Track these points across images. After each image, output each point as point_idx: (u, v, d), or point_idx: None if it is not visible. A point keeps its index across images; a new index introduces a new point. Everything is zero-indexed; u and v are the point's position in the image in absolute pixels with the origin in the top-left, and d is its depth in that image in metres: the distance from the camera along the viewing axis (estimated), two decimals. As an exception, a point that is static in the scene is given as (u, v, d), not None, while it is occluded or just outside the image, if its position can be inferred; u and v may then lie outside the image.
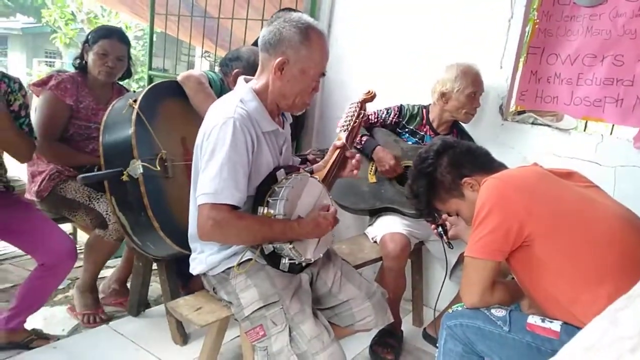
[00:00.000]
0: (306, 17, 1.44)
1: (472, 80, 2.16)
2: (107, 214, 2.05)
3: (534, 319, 1.33)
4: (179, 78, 2.04)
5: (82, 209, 2.11)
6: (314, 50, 1.42)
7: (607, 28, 2.16)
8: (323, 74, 1.48)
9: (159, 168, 1.77)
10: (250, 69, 2.06)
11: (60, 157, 2.18)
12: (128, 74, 2.37)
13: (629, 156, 2.10)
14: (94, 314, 2.17)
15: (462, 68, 2.18)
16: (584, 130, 2.33)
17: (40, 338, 1.97)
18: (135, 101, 1.83)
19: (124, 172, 1.74)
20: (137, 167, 1.73)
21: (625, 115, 2.14)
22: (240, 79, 1.54)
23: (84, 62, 2.24)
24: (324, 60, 1.46)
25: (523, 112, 2.41)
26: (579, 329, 1.26)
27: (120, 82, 2.43)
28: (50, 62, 15.17)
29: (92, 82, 2.25)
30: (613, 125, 2.31)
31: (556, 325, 1.29)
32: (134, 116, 1.79)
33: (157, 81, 2.11)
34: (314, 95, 1.51)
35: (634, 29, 2.10)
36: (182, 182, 1.86)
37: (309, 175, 1.52)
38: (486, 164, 1.54)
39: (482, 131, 2.38)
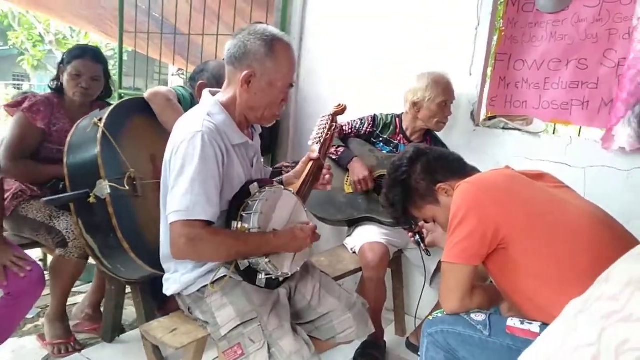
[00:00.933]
0: (271, 29, 1.43)
1: (442, 90, 2.18)
2: (67, 231, 1.98)
3: (513, 322, 1.33)
4: (145, 95, 2.01)
5: (44, 229, 2.04)
6: (281, 62, 1.40)
7: (570, 33, 2.22)
8: (291, 85, 1.47)
9: (127, 187, 1.73)
10: (214, 80, 2.06)
11: (26, 174, 2.11)
12: (107, 93, 2.33)
13: (598, 157, 2.14)
14: (66, 343, 2.07)
15: (433, 77, 2.20)
16: (553, 133, 2.38)
17: (8, 371, 1.88)
18: (100, 120, 1.79)
19: (91, 194, 1.69)
20: (104, 188, 1.68)
21: (591, 117, 2.20)
22: (205, 92, 1.51)
23: (59, 83, 2.20)
24: (291, 71, 1.45)
25: (494, 117, 2.45)
26: (557, 329, 1.28)
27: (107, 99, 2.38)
28: (18, 84, 14.87)
29: (69, 103, 2.20)
30: (581, 128, 2.36)
31: (535, 327, 1.29)
32: (99, 135, 1.75)
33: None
34: (283, 106, 1.49)
35: (595, 33, 2.17)
36: (152, 201, 1.80)
37: (282, 188, 1.50)
38: (459, 169, 1.55)
39: (455, 137, 2.41)
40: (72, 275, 2.07)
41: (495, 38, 2.43)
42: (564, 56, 2.24)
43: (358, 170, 2.19)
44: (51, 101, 2.16)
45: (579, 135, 2.37)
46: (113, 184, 1.69)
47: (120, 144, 1.79)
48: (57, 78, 2.21)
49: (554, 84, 2.27)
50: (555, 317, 1.23)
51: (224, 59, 1.49)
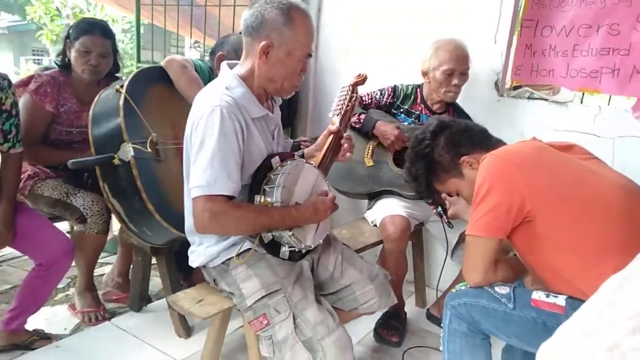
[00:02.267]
0: (288, 1, 1.39)
1: (446, 58, 2.09)
2: (84, 207, 2.01)
3: (538, 295, 1.32)
4: (162, 63, 2.01)
5: (60, 205, 2.07)
6: (299, 31, 1.37)
7: (602, -3, 2.12)
8: (310, 55, 1.43)
9: (150, 150, 1.75)
10: (233, 53, 2.03)
11: (41, 159, 2.11)
12: (115, 69, 2.25)
13: (628, 126, 2.08)
14: (95, 312, 2.15)
15: (439, 44, 2.13)
16: (581, 103, 2.30)
17: (42, 338, 1.95)
18: (122, 86, 1.80)
19: (115, 156, 1.71)
20: (128, 150, 1.71)
21: (622, 85, 2.11)
22: (224, 64, 1.49)
23: (66, 59, 2.12)
24: (309, 40, 1.41)
25: (519, 87, 2.38)
26: (584, 302, 1.26)
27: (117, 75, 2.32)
28: (37, 59, 14.96)
29: (77, 80, 2.13)
30: (610, 96, 2.28)
31: (561, 300, 1.28)
32: (121, 101, 1.77)
33: (144, 69, 2.08)
34: (302, 76, 1.47)
35: (629, -3, 2.06)
36: (174, 165, 1.84)
37: (304, 161, 1.50)
38: (484, 141, 1.52)
39: (479, 108, 2.35)
40: (94, 250, 2.11)
41: (521, 3, 2.33)
42: (594, 21, 2.14)
43: (387, 132, 2.15)
44: (57, 80, 2.09)
45: (608, 105, 2.28)
46: (137, 146, 1.72)
47: (142, 110, 1.80)
48: (64, 54, 2.12)
49: (583, 51, 2.18)
50: (582, 291, 1.25)
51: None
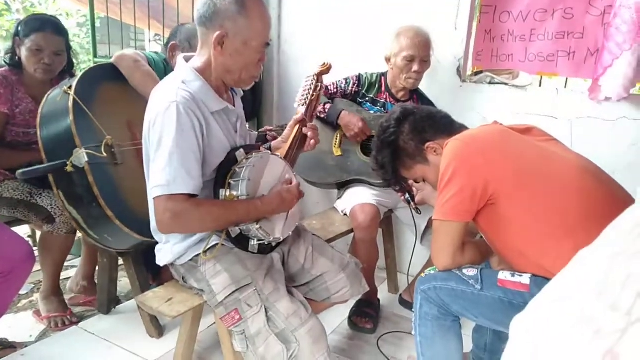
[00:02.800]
0: None
1: (407, 44, 2.11)
2: (51, 207, 1.94)
3: (504, 275, 1.35)
4: (112, 59, 1.93)
5: (23, 207, 1.99)
6: (254, 19, 1.33)
7: (556, -19, 2.17)
8: (267, 44, 1.40)
9: (105, 155, 1.68)
10: (186, 43, 1.99)
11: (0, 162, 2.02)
12: (70, 67, 2.16)
13: (584, 108, 2.14)
14: (62, 316, 2.08)
15: (400, 31, 2.15)
16: (540, 86, 2.36)
17: (6, 347, 1.88)
18: (70, 87, 1.71)
19: (68, 163, 1.64)
20: (81, 156, 1.64)
21: (577, 68, 2.18)
22: (180, 58, 1.45)
23: (16, 57, 2.02)
24: (266, 29, 1.38)
25: (480, 72, 2.42)
26: (548, 280, 1.29)
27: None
28: (-14, 57, 14.27)
29: (29, 79, 2.04)
30: (567, 79, 2.35)
31: (525, 279, 1.32)
32: (70, 103, 1.69)
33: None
34: (261, 67, 1.44)
35: (581, -19, 2.12)
36: (133, 167, 1.77)
37: (270, 153, 1.48)
38: (447, 127, 1.54)
39: (442, 94, 2.38)
40: (62, 250, 2.05)
41: (480, -10, 2.37)
42: (549, 6, 2.20)
43: (351, 123, 2.16)
44: (9, 80, 2.00)
45: (565, 87, 2.35)
46: (90, 152, 1.65)
47: (93, 111, 1.73)
48: (13, 51, 2.02)
49: (539, 35, 2.24)
50: (545, 268, 1.28)
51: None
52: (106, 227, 1.74)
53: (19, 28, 2.01)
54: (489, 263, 1.54)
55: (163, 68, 2.03)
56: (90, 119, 1.71)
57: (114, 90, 1.86)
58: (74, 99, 1.69)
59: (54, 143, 1.72)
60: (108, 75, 1.88)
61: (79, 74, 1.83)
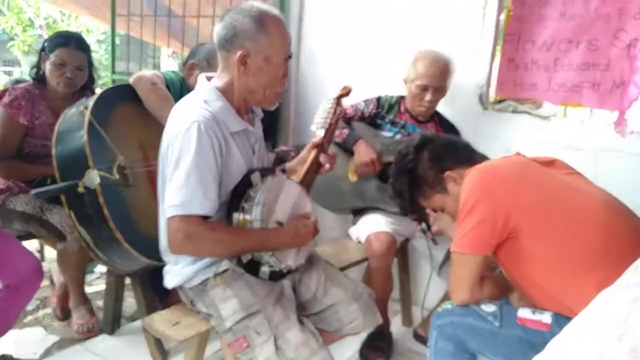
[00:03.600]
0: (257, 4, 1.37)
1: (422, 73, 2.07)
2: (61, 225, 1.95)
3: (524, 312, 1.31)
4: (130, 80, 1.95)
5: (34, 221, 2.01)
6: (273, 36, 1.35)
7: (580, 13, 2.14)
8: (289, 57, 1.40)
9: (117, 176, 1.69)
10: (205, 62, 2.00)
11: (13, 173, 2.06)
12: (90, 81, 2.24)
13: (609, 141, 2.09)
14: (87, 323, 2.12)
15: (418, 57, 2.12)
16: (564, 116, 2.32)
17: (10, 364, 1.86)
18: (86, 107, 1.73)
19: (79, 184, 1.64)
20: (93, 178, 1.64)
21: (603, 99, 2.14)
22: (201, 77, 1.46)
23: (41, 72, 2.11)
24: (286, 43, 1.39)
25: (503, 100, 2.39)
26: (569, 319, 1.24)
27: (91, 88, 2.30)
28: (8, 71, 14.73)
29: (52, 93, 2.12)
30: (592, 110, 2.30)
31: (547, 317, 1.28)
32: (85, 123, 1.70)
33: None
34: (284, 83, 1.43)
35: (606, 13, 2.10)
36: (144, 189, 1.79)
37: (285, 177, 1.46)
38: (468, 157, 1.51)
39: (463, 121, 2.34)
40: (79, 266, 2.07)
41: (503, 18, 2.35)
42: (574, 36, 2.17)
43: (364, 152, 2.12)
44: (32, 93, 2.08)
45: (590, 118, 2.31)
46: (102, 173, 1.65)
47: (108, 132, 1.74)
48: (38, 66, 2.12)
49: (564, 65, 2.20)
50: (567, 306, 1.24)
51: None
52: (115, 249, 1.73)
53: (45, 44, 2.11)
54: (507, 299, 1.49)
55: (180, 86, 2.05)
56: (104, 139, 1.72)
57: (130, 111, 1.88)
58: (89, 120, 1.71)
59: (68, 161, 1.74)
60: (125, 96, 1.89)
61: (97, 92, 1.86)
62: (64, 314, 2.23)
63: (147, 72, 1.98)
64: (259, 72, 1.36)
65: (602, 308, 0.59)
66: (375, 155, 2.11)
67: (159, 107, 1.84)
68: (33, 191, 1.67)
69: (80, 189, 1.64)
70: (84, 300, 2.15)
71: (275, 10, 1.39)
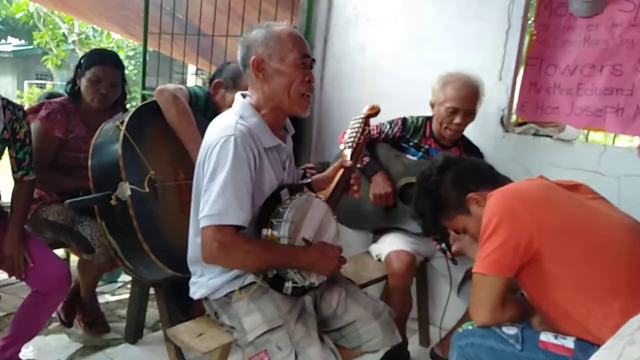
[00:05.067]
0: (267, 22, 1.45)
1: (452, 96, 2.05)
2: (91, 238, 1.99)
3: (546, 336, 1.30)
4: (154, 92, 1.98)
5: (66, 232, 2.06)
6: (283, 38, 1.40)
7: (605, 38, 2.16)
8: (307, 57, 1.42)
9: (147, 190, 1.73)
10: (230, 81, 2.03)
11: (48, 185, 2.12)
12: (123, 97, 2.30)
13: (633, 165, 2.08)
14: (95, 321, 2.20)
15: (448, 80, 2.09)
16: (586, 141, 2.32)
17: (33, 369, 1.91)
18: (122, 123, 1.79)
19: (112, 196, 1.69)
20: (125, 190, 1.68)
21: (626, 124, 2.13)
22: (238, 94, 1.50)
23: (76, 87, 2.17)
24: (298, 43, 1.41)
25: (524, 123, 2.40)
26: (592, 344, 1.24)
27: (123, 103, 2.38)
28: (41, 84, 15.17)
29: (85, 108, 2.18)
30: (615, 135, 2.30)
31: (569, 342, 1.27)
32: (121, 138, 1.75)
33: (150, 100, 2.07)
34: (310, 85, 1.44)
35: (631, 39, 2.11)
36: (173, 203, 1.83)
37: (314, 195, 1.48)
38: (491, 179, 1.51)
39: (484, 143, 2.35)
40: (98, 274, 2.19)
41: (526, 42, 2.37)
42: (597, 61, 2.18)
43: (380, 184, 2.13)
44: (67, 107, 2.14)
45: (613, 143, 2.30)
46: (134, 186, 1.70)
47: (141, 146, 1.79)
48: (74, 82, 2.18)
49: (587, 89, 2.21)
50: (590, 332, 1.23)
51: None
52: (141, 260, 1.77)
53: (82, 61, 2.17)
54: (529, 322, 1.48)
55: (205, 100, 2.07)
56: (138, 154, 1.77)
57: (162, 127, 1.92)
58: (124, 134, 1.76)
59: (102, 173, 1.79)
60: (158, 111, 1.93)
61: (132, 109, 1.90)
62: (69, 319, 2.27)
63: (170, 86, 2.00)
64: (278, 75, 1.39)
65: (632, 338, 0.59)
66: (390, 189, 2.12)
67: (178, 120, 1.88)
68: (67, 201, 1.71)
69: (113, 201, 1.69)
70: (93, 297, 2.28)
71: (283, 23, 1.46)
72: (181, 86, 2.05)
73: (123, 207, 1.70)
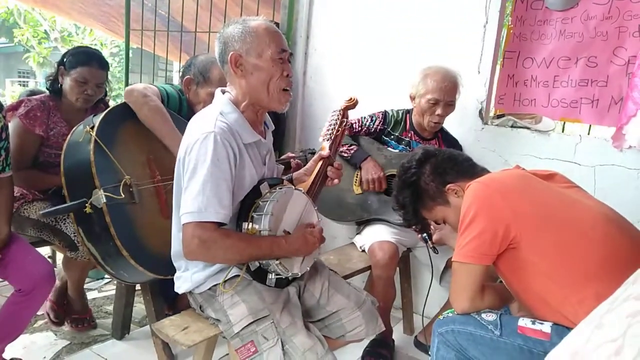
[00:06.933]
0: (244, 17, 1.45)
1: (433, 87, 2.10)
2: (74, 235, 1.97)
3: (524, 322, 1.33)
4: (124, 94, 1.93)
5: (48, 229, 2.04)
6: (259, 34, 1.40)
7: (580, 31, 2.20)
8: (284, 51, 1.43)
9: (123, 196, 1.69)
10: (200, 76, 1.98)
11: (29, 182, 2.09)
12: (105, 94, 2.27)
13: (607, 155, 2.13)
14: (83, 317, 2.20)
15: (428, 72, 2.14)
16: (563, 132, 2.37)
17: (20, 368, 1.90)
18: (92, 128, 1.74)
19: (87, 205, 1.66)
20: (99, 198, 1.65)
21: (601, 115, 2.18)
22: (218, 91, 1.51)
23: (58, 84, 2.13)
24: (275, 38, 1.42)
25: (502, 115, 2.44)
26: (569, 329, 1.28)
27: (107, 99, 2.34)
28: (23, 82, 14.91)
29: (66, 106, 2.14)
30: (590, 126, 2.35)
31: (547, 327, 1.30)
32: (91, 144, 1.71)
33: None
34: (289, 80, 1.45)
35: (605, 31, 2.15)
36: (151, 205, 1.80)
37: (293, 188, 1.50)
38: (469, 170, 1.55)
39: (463, 135, 2.40)
40: (84, 270, 2.19)
41: (503, 36, 2.42)
42: (573, 54, 2.23)
43: (371, 170, 2.17)
44: (47, 104, 2.11)
45: (588, 134, 2.35)
46: (108, 194, 1.66)
47: (113, 151, 1.74)
48: (55, 78, 2.13)
49: (563, 82, 2.26)
50: (566, 317, 1.27)
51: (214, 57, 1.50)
52: (122, 265, 1.74)
53: (65, 59, 2.12)
54: (508, 308, 1.52)
55: (178, 98, 2.03)
56: (110, 159, 1.73)
57: (135, 128, 1.86)
58: (95, 140, 1.71)
59: (75, 180, 1.74)
60: (130, 113, 1.87)
61: (100, 114, 1.84)
62: (59, 319, 2.25)
63: (139, 85, 1.94)
64: (256, 70, 1.40)
65: (600, 321, 0.59)
66: (381, 173, 2.16)
67: (151, 119, 1.83)
68: (41, 212, 1.69)
69: (88, 209, 1.66)
70: (81, 293, 2.26)
71: (260, 18, 1.46)
72: (150, 85, 2.00)
73: (99, 214, 1.66)
